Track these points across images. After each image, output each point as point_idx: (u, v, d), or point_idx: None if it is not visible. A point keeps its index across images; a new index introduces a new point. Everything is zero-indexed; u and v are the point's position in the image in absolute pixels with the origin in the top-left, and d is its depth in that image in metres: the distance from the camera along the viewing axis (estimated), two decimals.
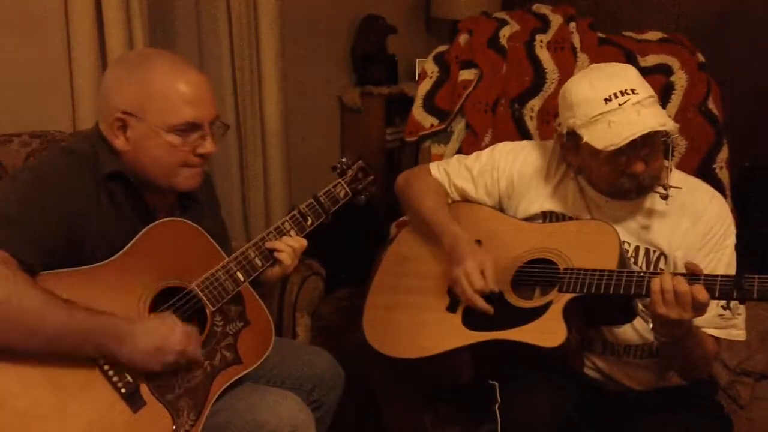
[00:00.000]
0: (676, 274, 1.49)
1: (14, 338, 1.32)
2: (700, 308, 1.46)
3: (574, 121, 1.65)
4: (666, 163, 1.68)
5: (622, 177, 1.65)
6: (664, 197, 1.67)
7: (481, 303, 1.68)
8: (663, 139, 1.62)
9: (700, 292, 1.44)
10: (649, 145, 1.60)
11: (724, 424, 1.69)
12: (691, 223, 1.70)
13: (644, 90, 1.63)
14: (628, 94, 1.60)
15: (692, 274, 1.48)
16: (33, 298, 1.32)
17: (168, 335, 1.44)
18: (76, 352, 1.38)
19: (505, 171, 1.86)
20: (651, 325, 1.71)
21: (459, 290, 1.71)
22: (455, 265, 1.72)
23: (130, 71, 1.51)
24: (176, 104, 1.49)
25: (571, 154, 1.74)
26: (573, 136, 1.67)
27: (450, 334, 1.71)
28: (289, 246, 1.67)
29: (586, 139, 1.62)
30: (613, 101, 1.60)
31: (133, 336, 1.40)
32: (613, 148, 1.58)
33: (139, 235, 1.51)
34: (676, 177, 1.73)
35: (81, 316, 1.36)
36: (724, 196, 2.23)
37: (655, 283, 1.48)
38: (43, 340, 1.33)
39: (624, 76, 1.65)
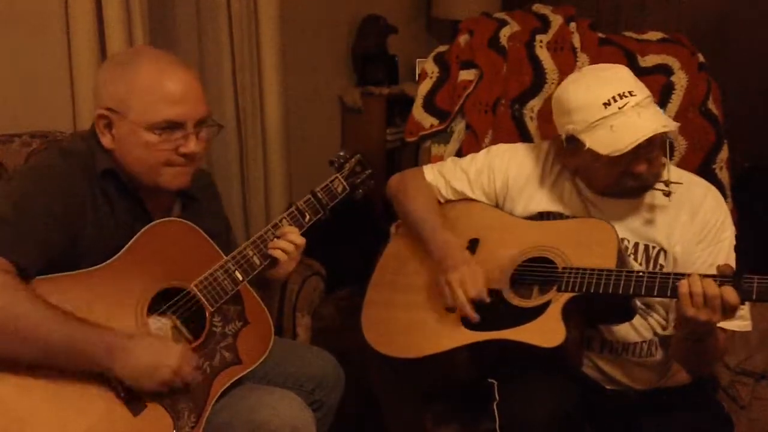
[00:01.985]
0: (705, 277, 1.46)
1: (8, 347, 1.30)
2: (730, 311, 1.45)
3: (573, 127, 1.65)
4: (663, 159, 1.69)
5: (624, 177, 1.65)
6: (667, 194, 1.67)
7: (471, 311, 1.67)
8: (662, 137, 1.62)
9: (731, 295, 1.43)
10: (652, 145, 1.60)
11: (724, 424, 1.68)
12: (689, 217, 1.71)
13: (641, 91, 1.63)
14: (626, 96, 1.60)
15: (721, 276, 1.46)
16: (30, 308, 1.31)
17: (164, 353, 1.42)
18: (70, 364, 1.36)
19: (500, 172, 1.86)
20: (653, 320, 1.71)
21: (451, 297, 1.70)
22: (448, 272, 1.71)
23: (118, 68, 1.50)
24: (157, 102, 1.47)
25: (569, 158, 1.74)
26: (572, 141, 1.67)
27: (449, 334, 1.71)
28: (290, 242, 1.66)
29: (588, 144, 1.61)
30: (613, 105, 1.59)
31: (128, 351, 1.38)
32: (618, 153, 1.57)
33: (136, 237, 1.50)
34: (674, 173, 1.73)
35: (77, 328, 1.35)
36: (724, 196, 2.23)
37: (683, 286, 1.47)
38: (37, 350, 1.32)
39: (619, 78, 1.65)
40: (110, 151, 1.52)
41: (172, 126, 1.49)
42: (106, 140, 1.50)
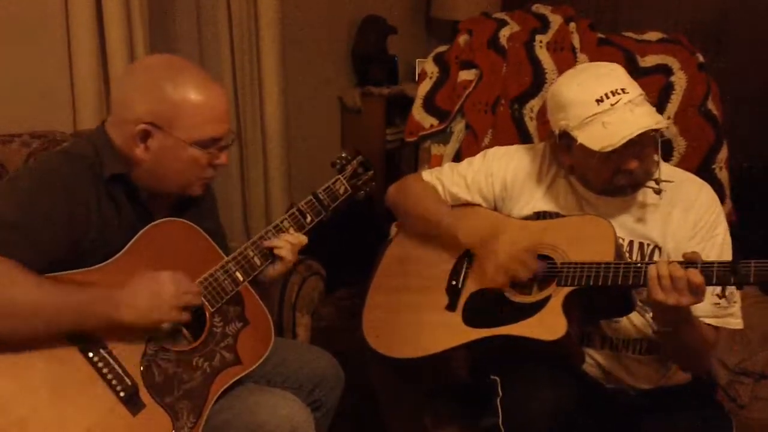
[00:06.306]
0: (671, 262, 1.50)
1: (15, 325, 1.33)
2: (696, 292, 1.47)
3: (566, 123, 1.66)
4: (655, 157, 1.70)
5: (617, 174, 1.67)
6: (658, 192, 1.69)
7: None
8: (653, 134, 1.63)
9: (695, 276, 1.46)
10: (644, 142, 1.62)
11: (724, 424, 1.69)
12: (682, 214, 1.72)
13: (633, 89, 1.64)
14: (619, 93, 1.61)
15: (689, 261, 1.49)
16: (25, 285, 1.34)
17: (158, 283, 1.45)
18: (78, 327, 1.39)
19: (498, 175, 1.87)
20: (651, 316, 1.72)
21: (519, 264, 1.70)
22: (494, 256, 1.71)
23: (157, 84, 1.48)
24: (205, 121, 1.50)
25: (563, 155, 1.76)
26: (565, 137, 1.68)
27: (450, 333, 1.72)
28: (288, 242, 1.67)
29: (580, 140, 1.63)
30: (605, 102, 1.61)
31: (125, 297, 1.42)
32: (610, 148, 1.59)
33: (137, 236, 1.51)
34: (665, 170, 1.74)
35: (74, 292, 1.39)
36: (724, 196, 2.23)
37: (652, 270, 1.50)
38: (43, 322, 1.34)
39: (613, 75, 1.67)
40: (132, 160, 1.52)
41: (213, 142, 1.53)
42: (138, 151, 1.50)
